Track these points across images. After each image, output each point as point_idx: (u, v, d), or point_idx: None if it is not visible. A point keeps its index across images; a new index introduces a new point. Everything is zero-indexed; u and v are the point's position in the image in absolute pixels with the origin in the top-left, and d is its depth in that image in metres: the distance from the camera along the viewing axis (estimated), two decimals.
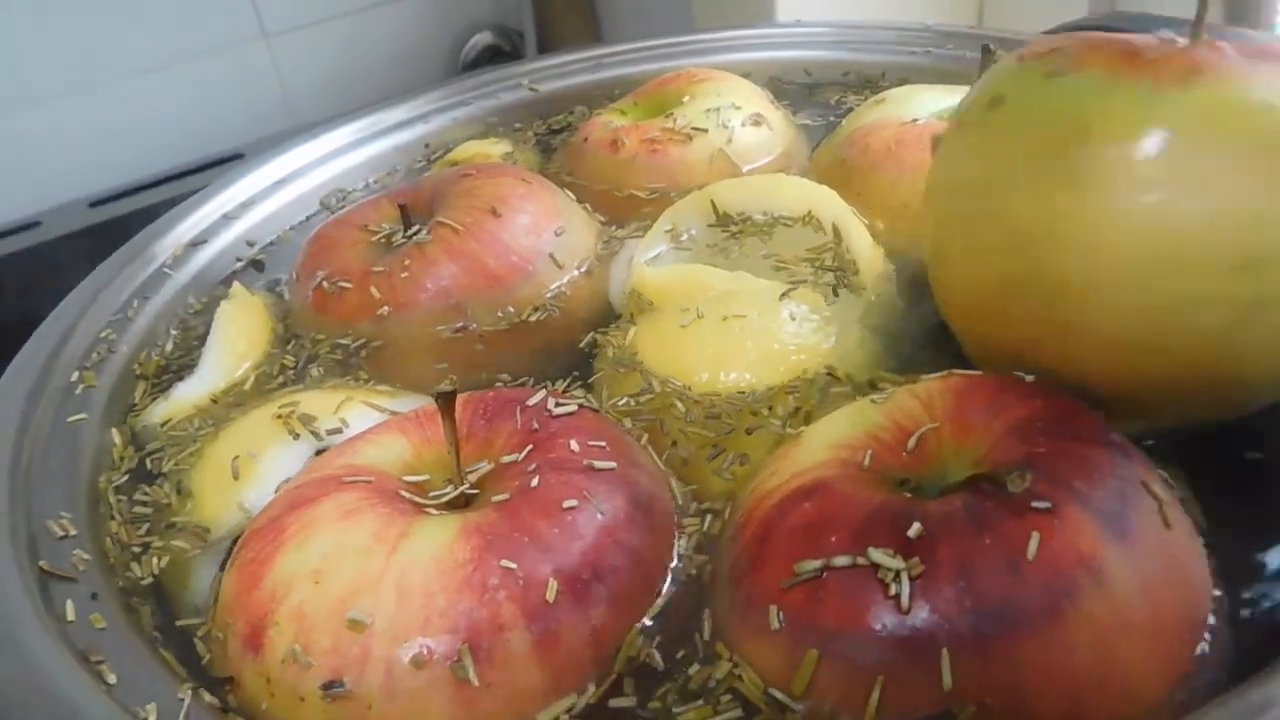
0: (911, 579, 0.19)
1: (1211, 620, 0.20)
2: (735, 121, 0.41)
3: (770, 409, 0.27)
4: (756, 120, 0.41)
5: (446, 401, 0.23)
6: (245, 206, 0.40)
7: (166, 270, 0.36)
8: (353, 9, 0.64)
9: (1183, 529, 0.21)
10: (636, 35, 0.49)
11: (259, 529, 0.23)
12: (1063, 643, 0.18)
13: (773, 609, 0.20)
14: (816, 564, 0.20)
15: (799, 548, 0.20)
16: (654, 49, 0.47)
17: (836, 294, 0.31)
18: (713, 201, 0.35)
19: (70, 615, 0.23)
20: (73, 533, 0.25)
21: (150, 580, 0.25)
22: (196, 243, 0.38)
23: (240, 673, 0.21)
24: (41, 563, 0.24)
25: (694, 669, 0.21)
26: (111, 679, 0.21)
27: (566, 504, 0.22)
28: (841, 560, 0.20)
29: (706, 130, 0.40)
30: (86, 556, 0.25)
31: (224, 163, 0.47)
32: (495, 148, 0.43)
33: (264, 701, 0.21)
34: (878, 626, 0.19)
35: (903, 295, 0.32)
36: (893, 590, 0.19)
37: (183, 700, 0.21)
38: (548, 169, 0.41)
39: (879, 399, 0.24)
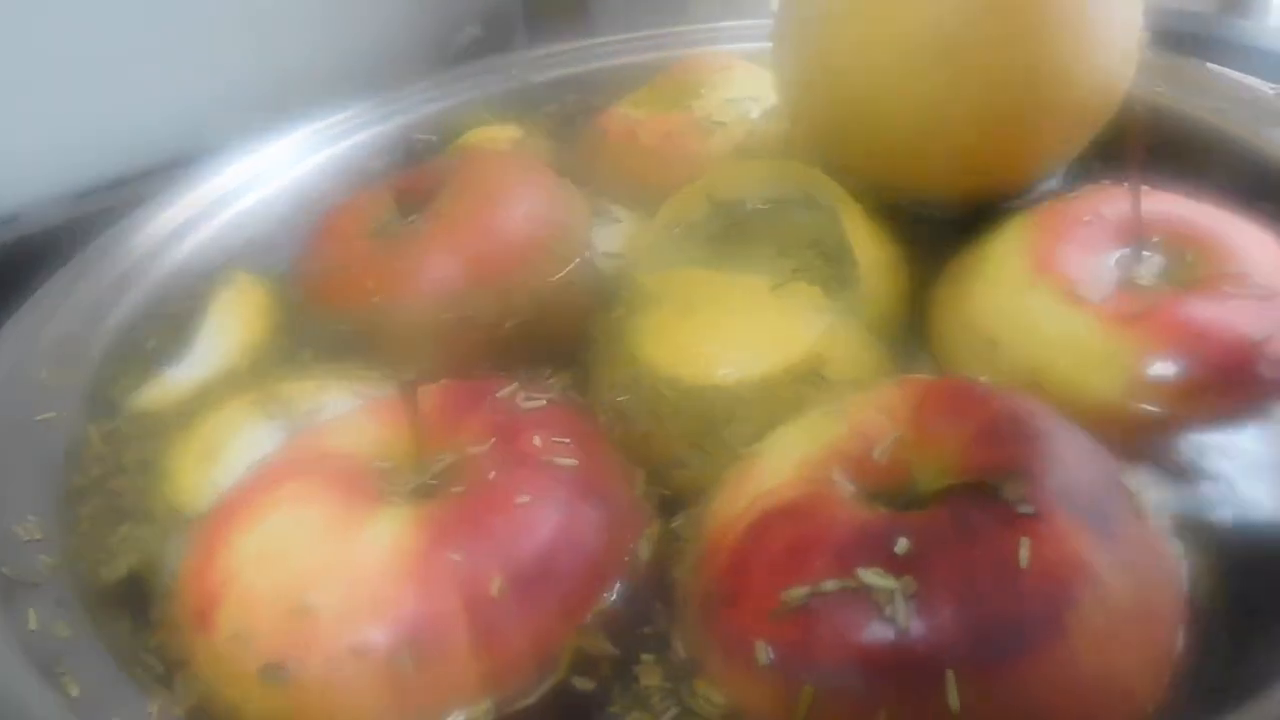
0: (906, 599, 0.18)
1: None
2: (755, 113, 0.40)
3: (752, 407, 0.26)
4: (774, 112, 0.40)
5: (408, 391, 0.23)
6: (225, 200, 0.39)
7: (146, 264, 0.36)
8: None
9: (1152, 520, 0.20)
10: (627, 23, 0.49)
11: (218, 510, 0.23)
12: (1067, 653, 0.18)
13: (759, 644, 0.19)
14: (803, 591, 0.19)
15: (780, 576, 0.19)
16: (648, 39, 0.47)
17: (834, 286, 0.31)
18: (711, 192, 0.35)
19: (32, 624, 0.22)
20: (39, 536, 0.25)
21: (126, 574, 0.25)
22: (177, 236, 0.37)
23: (190, 653, 0.21)
24: (3, 568, 0.24)
25: (641, 672, 0.21)
26: (74, 691, 0.21)
27: (521, 499, 0.22)
28: (829, 585, 0.19)
29: (725, 123, 0.39)
30: (53, 561, 0.24)
31: (206, 157, 0.47)
32: (505, 133, 0.43)
33: (210, 682, 0.21)
34: (875, 653, 0.18)
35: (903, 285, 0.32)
36: (887, 613, 0.18)
37: (150, 714, 0.20)
38: (561, 159, 0.41)
39: (836, 409, 0.23)
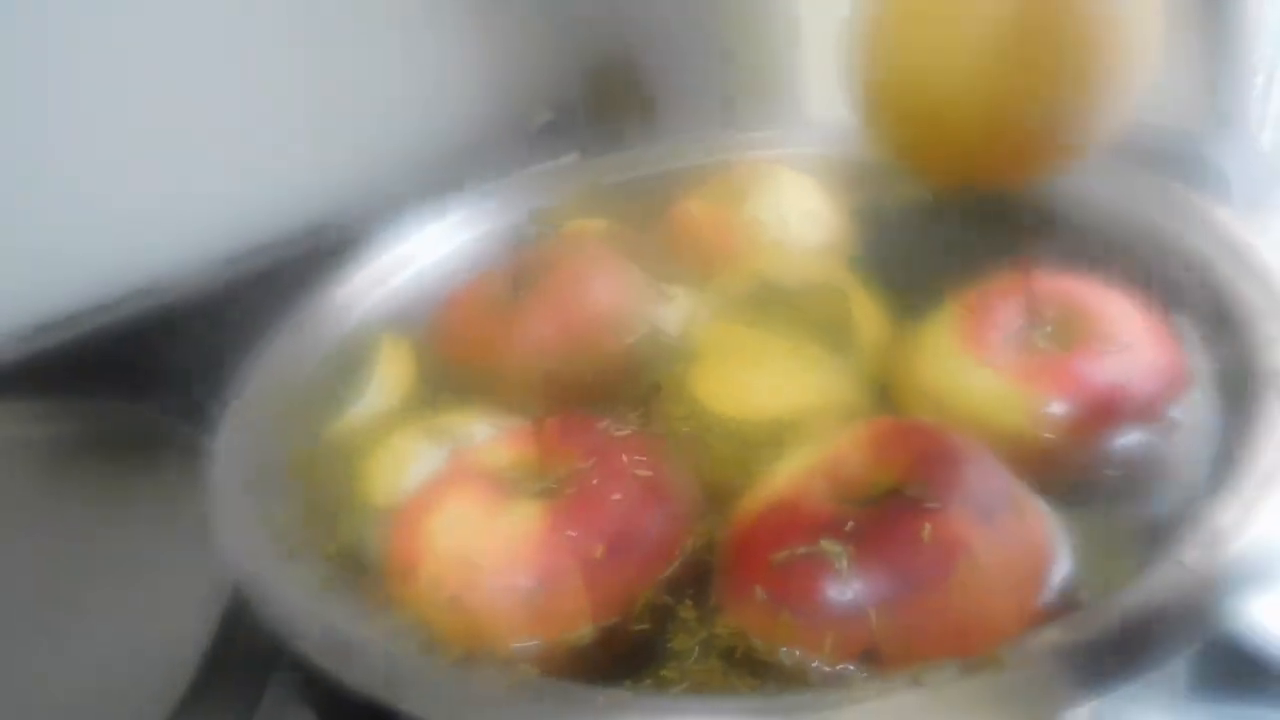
0: (849, 560, 0.28)
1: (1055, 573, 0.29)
2: (791, 214, 0.49)
3: (774, 438, 0.37)
4: (808, 214, 0.49)
5: (537, 424, 0.34)
6: (383, 278, 0.50)
7: (330, 326, 0.46)
8: (416, 92, 0.72)
9: (1033, 515, 0.30)
10: (681, 114, 0.58)
11: (412, 502, 0.34)
12: (949, 596, 0.27)
13: (757, 587, 0.30)
14: (785, 554, 0.29)
15: (773, 544, 0.30)
16: (707, 146, 0.56)
17: (840, 354, 0.41)
18: (755, 274, 0.45)
19: (304, 584, 0.32)
20: (287, 525, 0.35)
21: (344, 551, 0.35)
22: (350, 305, 0.48)
23: (399, 593, 0.32)
24: (279, 546, 0.34)
25: (691, 615, 0.31)
26: (356, 633, 0.30)
27: (615, 497, 0.32)
28: (802, 550, 0.29)
29: (767, 222, 0.49)
30: (307, 536, 0.35)
31: (320, 232, 0.58)
32: (593, 226, 0.53)
33: (413, 610, 0.31)
34: (828, 593, 0.28)
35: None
36: (836, 568, 0.28)
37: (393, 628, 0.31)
38: (637, 247, 0.50)
39: (826, 439, 0.33)
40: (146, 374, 0.55)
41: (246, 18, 0.65)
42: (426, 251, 0.52)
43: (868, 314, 0.42)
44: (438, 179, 0.68)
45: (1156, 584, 0.26)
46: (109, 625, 0.42)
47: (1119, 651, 0.25)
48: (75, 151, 0.61)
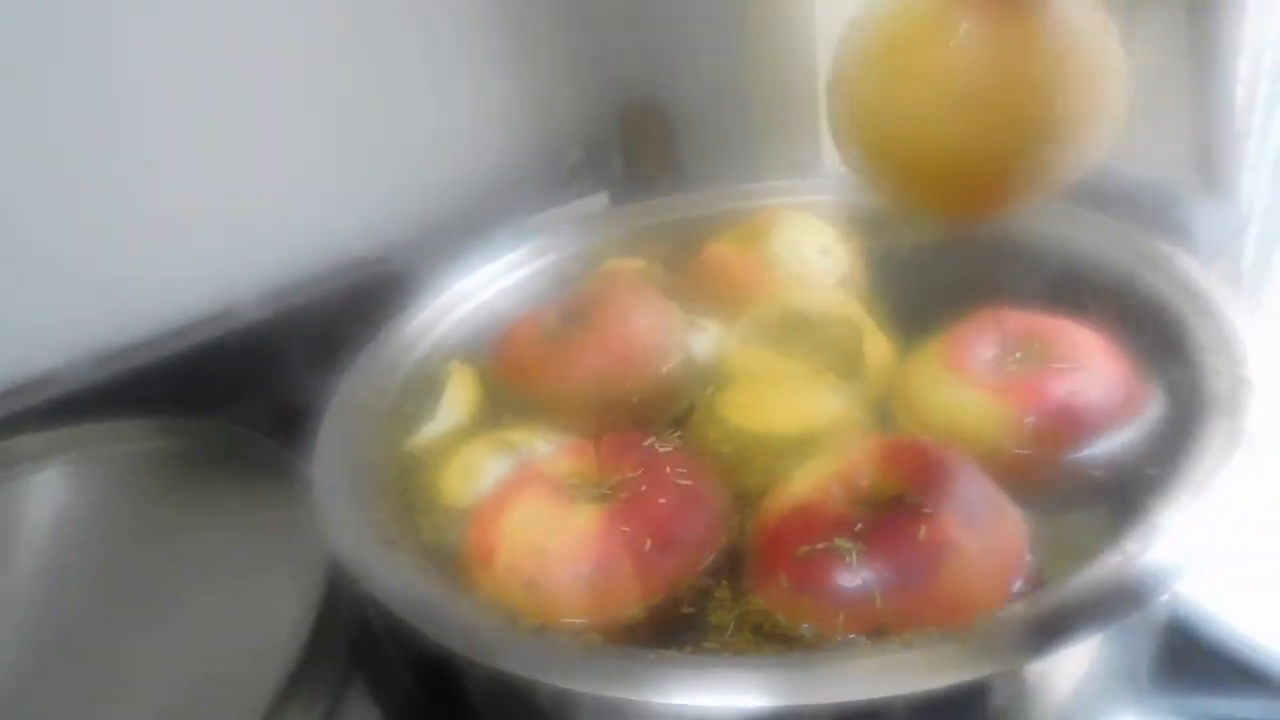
0: (858, 555, 0.34)
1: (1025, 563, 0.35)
2: (807, 253, 0.55)
3: (795, 451, 0.43)
4: (823, 251, 0.55)
5: (595, 441, 0.40)
6: (448, 311, 0.55)
7: (403, 355, 0.52)
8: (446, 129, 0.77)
9: (1010, 518, 0.36)
10: (707, 152, 0.63)
11: (486, 503, 0.40)
12: (939, 584, 0.33)
13: (782, 575, 0.35)
14: (806, 549, 0.34)
15: (795, 540, 0.35)
16: (734, 194, 0.61)
17: (851, 378, 0.47)
18: (778, 307, 0.50)
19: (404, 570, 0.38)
20: (380, 523, 0.40)
21: (426, 543, 0.40)
22: (420, 335, 0.53)
23: (476, 578, 0.38)
24: (379, 539, 0.39)
25: (727, 595, 0.37)
26: (458, 608, 0.35)
27: (660, 501, 0.38)
28: (820, 546, 0.34)
29: (788, 262, 0.54)
30: (397, 532, 0.40)
31: (368, 263, 0.64)
32: (631, 264, 0.58)
33: (490, 593, 0.37)
34: (841, 581, 0.34)
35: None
36: (847, 561, 0.34)
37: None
38: (671, 284, 0.55)
39: (839, 452, 0.39)
40: (215, 393, 0.61)
41: (300, 65, 0.71)
42: (483, 288, 0.58)
43: (876, 343, 0.48)
44: (474, 214, 0.75)
45: (1102, 569, 0.32)
46: (206, 624, 0.48)
47: (1070, 621, 0.31)
48: (155, 193, 0.69)
